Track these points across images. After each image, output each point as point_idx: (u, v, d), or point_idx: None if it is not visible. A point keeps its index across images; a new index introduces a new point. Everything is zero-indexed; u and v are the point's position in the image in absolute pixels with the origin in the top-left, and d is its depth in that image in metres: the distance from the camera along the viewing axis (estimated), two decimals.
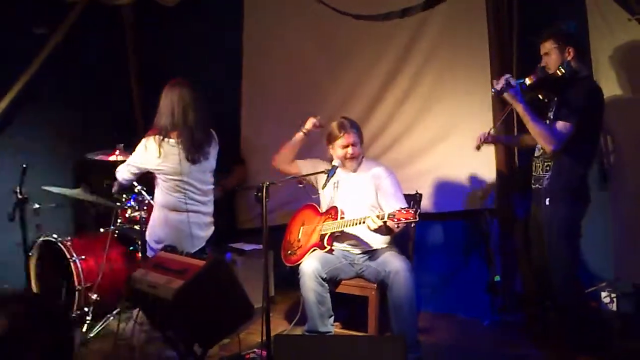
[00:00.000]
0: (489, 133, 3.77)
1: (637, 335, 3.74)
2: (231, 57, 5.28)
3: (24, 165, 3.32)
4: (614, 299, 4.02)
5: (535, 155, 3.58)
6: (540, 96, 3.50)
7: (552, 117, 3.42)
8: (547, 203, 3.37)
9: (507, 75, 3.27)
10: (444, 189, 4.51)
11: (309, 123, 4.02)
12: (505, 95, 3.27)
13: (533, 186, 3.59)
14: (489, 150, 4.32)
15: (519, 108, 3.29)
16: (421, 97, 4.55)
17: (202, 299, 2.86)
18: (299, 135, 4.05)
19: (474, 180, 4.42)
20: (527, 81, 3.37)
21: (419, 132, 4.59)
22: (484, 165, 4.35)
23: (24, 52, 4.84)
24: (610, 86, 3.77)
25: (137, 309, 3.76)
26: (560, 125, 3.27)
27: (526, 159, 3.81)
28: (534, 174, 3.59)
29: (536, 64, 3.47)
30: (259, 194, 3.10)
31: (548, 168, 3.43)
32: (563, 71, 3.30)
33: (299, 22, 5.03)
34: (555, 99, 3.45)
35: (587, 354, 3.50)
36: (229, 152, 5.16)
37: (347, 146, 3.78)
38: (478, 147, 3.81)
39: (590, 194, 3.42)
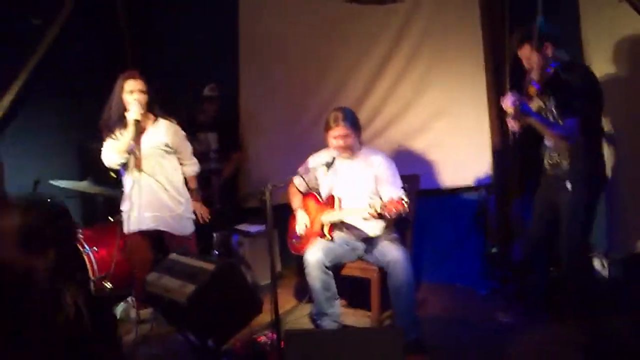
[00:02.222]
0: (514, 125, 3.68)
1: (627, 301, 3.94)
2: (228, 42, 5.31)
3: (36, 181, 3.43)
4: (606, 266, 4.21)
5: (548, 145, 3.71)
6: (541, 100, 3.60)
7: (555, 112, 3.53)
8: (569, 187, 3.53)
9: (512, 99, 3.36)
10: (441, 166, 4.65)
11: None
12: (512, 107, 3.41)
13: (550, 172, 3.73)
14: (484, 128, 4.44)
15: (532, 121, 3.46)
16: (416, 78, 4.64)
17: (214, 301, 3.03)
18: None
19: (471, 157, 4.54)
20: (532, 95, 3.50)
21: (415, 112, 4.70)
22: (480, 143, 4.47)
23: (23, 44, 4.87)
24: (602, 67, 3.85)
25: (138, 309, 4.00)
26: (569, 122, 3.41)
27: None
28: (549, 162, 3.72)
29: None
30: (263, 198, 3.22)
31: (566, 156, 3.58)
32: (552, 70, 3.39)
33: (295, 6, 5.06)
34: (552, 96, 3.54)
35: (582, 318, 3.72)
36: (228, 138, 5.29)
37: (338, 138, 3.87)
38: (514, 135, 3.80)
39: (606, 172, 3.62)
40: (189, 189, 4.10)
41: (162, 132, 3.92)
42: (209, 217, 4.23)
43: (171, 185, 3.94)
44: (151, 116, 3.92)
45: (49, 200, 4.05)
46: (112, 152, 3.84)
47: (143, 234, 3.95)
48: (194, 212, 4.11)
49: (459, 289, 4.72)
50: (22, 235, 1.81)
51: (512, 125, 3.59)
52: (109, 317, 1.87)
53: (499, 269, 4.53)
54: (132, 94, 3.78)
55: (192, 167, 4.13)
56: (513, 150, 4.29)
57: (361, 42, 4.80)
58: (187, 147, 4.09)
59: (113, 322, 1.88)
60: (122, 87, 3.81)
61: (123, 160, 3.85)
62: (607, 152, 3.82)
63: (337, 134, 3.87)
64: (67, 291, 1.80)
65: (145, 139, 3.87)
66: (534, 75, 3.48)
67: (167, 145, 3.91)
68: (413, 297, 3.74)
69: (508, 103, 3.38)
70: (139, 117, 3.76)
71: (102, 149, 3.89)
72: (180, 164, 4.06)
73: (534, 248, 3.96)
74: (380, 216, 3.52)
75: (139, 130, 3.82)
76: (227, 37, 5.28)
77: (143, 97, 3.81)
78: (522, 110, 3.39)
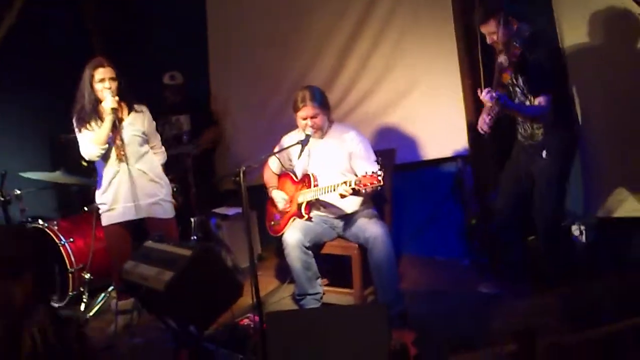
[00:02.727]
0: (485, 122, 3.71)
1: (604, 264, 3.99)
2: (196, 27, 5.26)
3: (3, 172, 3.36)
4: (584, 232, 4.25)
5: (521, 119, 3.75)
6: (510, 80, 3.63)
7: (524, 88, 3.58)
8: (544, 155, 3.63)
9: (490, 94, 3.36)
10: (417, 139, 4.62)
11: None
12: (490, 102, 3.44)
13: (525, 143, 3.78)
14: (459, 98, 4.41)
15: (509, 110, 3.54)
16: (387, 50, 4.59)
17: (193, 287, 2.99)
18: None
19: (446, 128, 4.51)
20: (505, 83, 3.58)
21: (387, 86, 4.65)
22: (454, 114, 4.43)
23: None
24: (573, 35, 3.86)
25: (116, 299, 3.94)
26: (542, 100, 3.47)
27: None
28: (522, 132, 3.78)
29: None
30: (237, 179, 3.17)
31: (539, 126, 3.65)
32: (518, 46, 3.40)
33: None
34: (520, 74, 3.57)
35: (563, 284, 3.74)
36: (200, 118, 5.23)
37: (306, 118, 3.80)
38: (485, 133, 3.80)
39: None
40: None
41: (140, 120, 3.86)
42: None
43: (152, 172, 3.90)
44: (124, 104, 3.83)
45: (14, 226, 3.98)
46: (90, 144, 3.74)
47: (123, 224, 3.89)
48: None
49: (440, 262, 4.74)
50: None
51: (482, 124, 3.67)
52: (78, 338, 1.80)
53: (479, 241, 4.54)
54: (103, 82, 3.69)
55: (161, 155, 4.07)
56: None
57: (330, 18, 4.73)
58: (158, 136, 4.04)
59: (83, 342, 1.82)
60: (91, 76, 3.71)
61: (102, 152, 3.76)
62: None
63: (305, 115, 3.79)
64: (38, 314, 1.76)
65: (124, 127, 3.79)
66: (504, 61, 3.51)
67: (144, 133, 3.85)
68: (395, 271, 3.74)
69: (486, 98, 3.38)
70: (115, 106, 3.68)
71: (80, 141, 3.78)
72: (154, 151, 4.01)
73: (507, 217, 3.99)
74: (356, 192, 3.48)
75: (117, 118, 3.73)
76: (194, 22, 5.24)
77: (114, 85, 3.72)
78: (502, 104, 3.42)
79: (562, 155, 3.66)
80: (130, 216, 3.85)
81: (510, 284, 4.04)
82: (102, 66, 3.71)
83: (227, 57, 5.23)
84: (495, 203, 4.07)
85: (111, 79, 3.71)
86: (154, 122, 3.99)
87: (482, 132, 3.72)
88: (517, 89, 3.63)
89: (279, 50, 5.01)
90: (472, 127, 4.43)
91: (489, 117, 3.61)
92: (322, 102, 3.82)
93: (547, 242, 3.84)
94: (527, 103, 3.60)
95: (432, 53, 4.46)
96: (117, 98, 3.70)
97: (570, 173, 3.76)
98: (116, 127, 3.72)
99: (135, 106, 3.86)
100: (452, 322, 3.71)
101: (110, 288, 4.37)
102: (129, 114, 3.84)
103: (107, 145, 3.75)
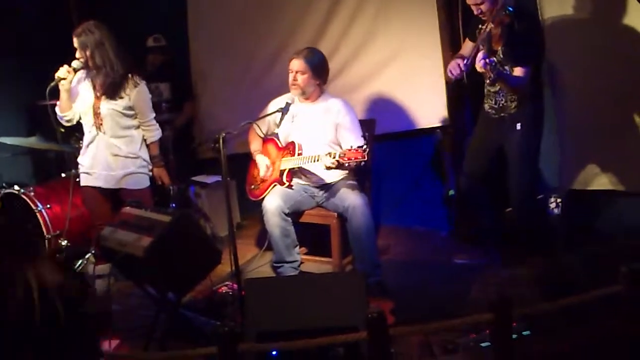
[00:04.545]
0: (459, 66, 3.67)
1: (579, 236, 4.05)
2: None
3: None
4: (559, 205, 4.31)
5: (492, 90, 3.78)
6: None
7: (502, 57, 3.59)
8: (519, 127, 3.69)
9: (484, 61, 3.38)
10: (397, 109, 4.62)
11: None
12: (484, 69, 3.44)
13: (494, 115, 3.81)
14: (439, 68, 4.41)
15: (500, 79, 3.54)
16: (368, 19, 4.57)
17: (171, 253, 2.99)
18: None
19: (426, 99, 4.52)
20: (497, 50, 3.59)
21: (368, 55, 4.64)
22: (434, 85, 4.45)
23: None
24: (552, 7, 3.86)
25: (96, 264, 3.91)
26: (522, 71, 3.54)
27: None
28: (493, 105, 3.80)
29: None
30: (216, 145, 3.16)
31: (513, 99, 3.69)
32: (508, 15, 3.41)
33: None
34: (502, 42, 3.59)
35: (537, 255, 3.83)
36: (180, 87, 5.18)
37: (292, 72, 3.79)
38: (450, 82, 3.90)
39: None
40: (150, 156, 3.96)
41: (126, 94, 3.76)
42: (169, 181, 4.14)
43: (128, 149, 3.82)
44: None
45: None
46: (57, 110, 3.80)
47: (99, 188, 3.88)
48: (154, 176, 4.00)
49: (418, 232, 4.78)
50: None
51: (455, 67, 3.64)
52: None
53: (456, 211, 4.59)
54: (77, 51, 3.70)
55: (153, 132, 3.92)
56: (465, 91, 4.32)
57: None
58: (147, 111, 3.88)
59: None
60: None
61: (66, 119, 3.83)
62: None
63: (292, 67, 3.79)
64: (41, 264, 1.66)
65: (103, 99, 3.74)
66: (493, 29, 3.51)
67: (129, 108, 3.77)
68: (373, 241, 3.77)
69: (481, 64, 3.40)
70: (62, 75, 3.67)
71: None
72: (142, 128, 3.90)
73: (474, 187, 4.05)
74: (340, 165, 3.49)
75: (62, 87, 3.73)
76: None
77: (82, 53, 3.69)
78: (496, 73, 3.44)
79: (535, 127, 3.74)
80: (103, 184, 3.84)
81: (484, 253, 4.10)
82: (74, 35, 3.68)
83: (206, 25, 5.15)
84: (463, 178, 4.13)
85: (81, 47, 3.67)
86: (149, 99, 3.90)
87: (451, 75, 3.70)
88: (495, 56, 3.61)
89: (257, 20, 4.94)
90: (452, 99, 4.45)
91: (465, 64, 3.56)
92: (314, 64, 3.79)
93: (522, 213, 3.91)
94: (502, 72, 3.58)
95: (412, 23, 4.45)
96: (71, 67, 3.67)
97: (540, 145, 3.83)
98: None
99: (129, 79, 3.76)
100: (428, 292, 3.77)
101: (88, 255, 4.34)
102: (117, 86, 3.73)
103: (68, 114, 3.80)
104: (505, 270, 3.90)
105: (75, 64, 3.69)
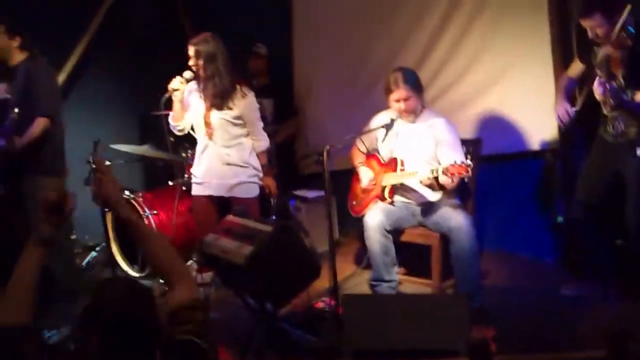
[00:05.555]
0: (568, 113, 3.63)
1: None
2: (282, 3, 5.27)
3: (96, 140, 3.49)
4: None
5: (611, 115, 3.56)
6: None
7: (622, 82, 3.40)
8: (639, 153, 3.46)
9: (602, 89, 3.29)
10: (504, 130, 4.46)
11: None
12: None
13: (611, 140, 3.61)
14: (550, 89, 4.23)
15: (624, 106, 3.39)
16: (477, 36, 4.44)
17: (271, 263, 3.01)
18: None
19: (534, 120, 4.34)
20: (617, 75, 3.40)
21: (476, 73, 4.51)
22: (544, 105, 4.24)
23: (82, 13, 4.97)
24: None
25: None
26: None
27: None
28: (612, 132, 3.59)
29: None
30: (321, 158, 3.17)
31: (633, 124, 3.47)
32: (628, 37, 3.23)
33: None
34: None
35: None
36: (284, 104, 5.24)
37: (399, 101, 3.74)
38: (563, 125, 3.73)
39: None
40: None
41: (234, 104, 3.86)
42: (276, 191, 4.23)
43: (239, 158, 3.92)
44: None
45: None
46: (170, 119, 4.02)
47: (210, 197, 4.01)
48: (263, 186, 4.09)
49: (523, 259, 4.56)
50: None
51: (563, 113, 3.56)
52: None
53: (565, 239, 4.36)
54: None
55: (261, 142, 4.01)
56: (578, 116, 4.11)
57: None
58: (256, 121, 3.98)
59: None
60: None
61: (178, 129, 4.04)
62: None
63: (397, 97, 3.74)
64: None
65: (213, 110, 3.86)
66: (612, 52, 3.34)
67: (237, 118, 3.87)
68: (477, 263, 3.66)
69: (599, 90, 3.27)
70: (175, 86, 3.83)
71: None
72: (250, 137, 3.99)
73: (586, 215, 3.81)
74: (440, 185, 3.42)
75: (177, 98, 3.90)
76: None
77: (194, 62, 3.81)
78: (617, 100, 3.29)
79: None
80: (214, 192, 3.96)
81: (595, 286, 3.86)
82: (191, 43, 3.81)
83: (312, 35, 5.19)
84: (575, 206, 3.91)
85: (195, 56, 3.79)
86: (256, 106, 3.99)
87: (560, 122, 3.58)
88: (614, 81, 3.44)
89: (366, 31, 4.92)
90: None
91: (573, 108, 3.44)
92: (415, 85, 3.76)
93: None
94: (625, 98, 3.41)
95: (523, 40, 4.29)
96: (183, 77, 3.83)
97: None
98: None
99: (237, 90, 3.86)
100: (531, 321, 3.58)
101: (190, 261, 4.45)
102: (226, 97, 3.84)
103: (180, 124, 4.00)
104: (619, 304, 3.65)
105: (187, 74, 3.85)
